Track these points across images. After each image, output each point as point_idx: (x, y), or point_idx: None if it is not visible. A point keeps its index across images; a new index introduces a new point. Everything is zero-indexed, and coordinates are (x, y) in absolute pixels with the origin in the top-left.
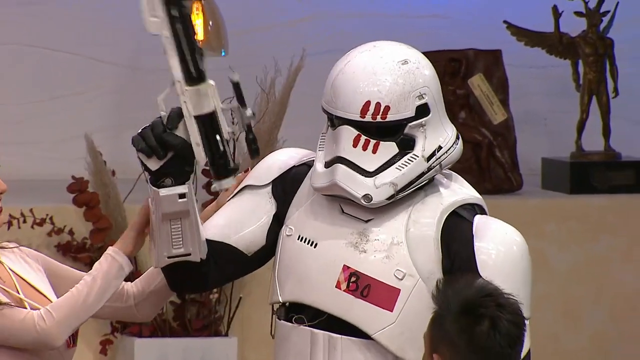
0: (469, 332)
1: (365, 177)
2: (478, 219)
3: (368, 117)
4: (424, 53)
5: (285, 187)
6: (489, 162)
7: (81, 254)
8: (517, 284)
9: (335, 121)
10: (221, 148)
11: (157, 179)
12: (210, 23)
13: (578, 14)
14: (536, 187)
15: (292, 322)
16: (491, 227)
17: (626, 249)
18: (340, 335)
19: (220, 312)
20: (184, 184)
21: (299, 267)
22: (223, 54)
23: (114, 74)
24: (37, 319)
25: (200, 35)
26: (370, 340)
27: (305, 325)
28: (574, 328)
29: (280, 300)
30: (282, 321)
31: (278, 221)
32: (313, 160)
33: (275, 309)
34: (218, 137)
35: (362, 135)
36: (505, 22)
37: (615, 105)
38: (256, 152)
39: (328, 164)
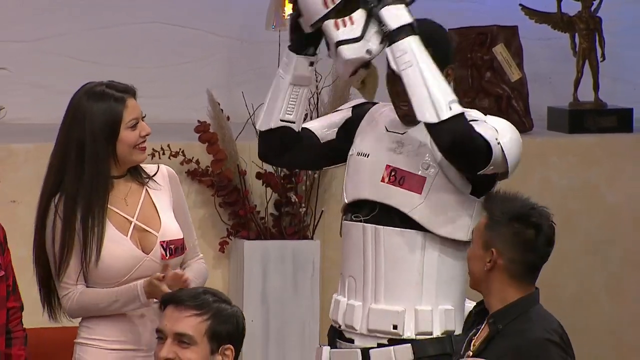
0: (520, 235)
1: (359, 42)
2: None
3: (330, 5)
4: (458, 29)
5: (358, 111)
6: (508, 109)
7: (204, 178)
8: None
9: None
10: None
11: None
12: None
13: None
14: (543, 128)
15: (352, 220)
16: (492, 117)
17: (610, 176)
18: (383, 227)
19: (307, 221)
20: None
21: (357, 174)
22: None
23: (226, 45)
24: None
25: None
26: (405, 229)
27: (360, 221)
28: (570, 234)
29: (346, 201)
30: (345, 221)
31: (345, 128)
32: (376, 104)
33: (342, 215)
34: None
35: (338, 20)
36: (520, 4)
37: (602, 67)
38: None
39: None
